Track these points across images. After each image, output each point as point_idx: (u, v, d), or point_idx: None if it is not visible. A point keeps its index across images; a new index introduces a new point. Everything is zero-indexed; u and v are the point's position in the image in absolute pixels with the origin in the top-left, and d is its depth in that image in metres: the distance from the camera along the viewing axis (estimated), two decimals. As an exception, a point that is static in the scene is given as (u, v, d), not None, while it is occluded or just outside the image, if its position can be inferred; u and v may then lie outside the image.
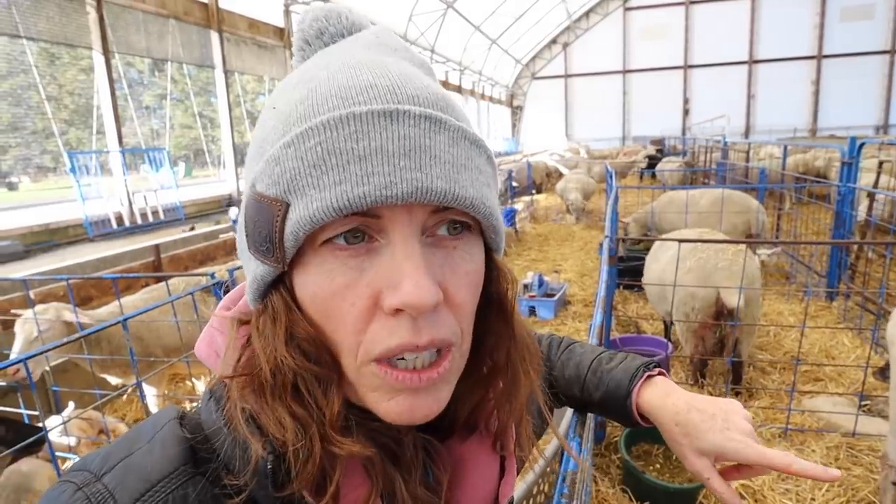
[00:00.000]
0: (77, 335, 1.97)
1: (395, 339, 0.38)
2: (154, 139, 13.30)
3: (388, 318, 0.39)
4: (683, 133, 27.14)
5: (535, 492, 1.37)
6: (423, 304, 0.37)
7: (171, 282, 3.26)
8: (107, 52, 8.38)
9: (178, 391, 3.89)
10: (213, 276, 2.81)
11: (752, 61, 28.76)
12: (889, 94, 26.85)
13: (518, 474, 0.59)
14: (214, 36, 10.69)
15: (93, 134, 9.15)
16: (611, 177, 6.90)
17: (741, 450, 0.64)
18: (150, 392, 3.18)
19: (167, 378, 3.52)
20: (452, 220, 0.42)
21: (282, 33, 12.69)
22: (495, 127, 31.04)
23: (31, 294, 3.42)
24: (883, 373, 2.82)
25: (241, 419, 0.40)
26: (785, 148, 8.09)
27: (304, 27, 0.49)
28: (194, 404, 0.50)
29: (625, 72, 30.98)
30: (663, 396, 0.74)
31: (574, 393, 0.84)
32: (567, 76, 32.35)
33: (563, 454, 0.99)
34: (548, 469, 1.56)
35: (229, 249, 6.25)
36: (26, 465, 2.35)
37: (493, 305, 0.49)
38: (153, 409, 3.12)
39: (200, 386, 3.56)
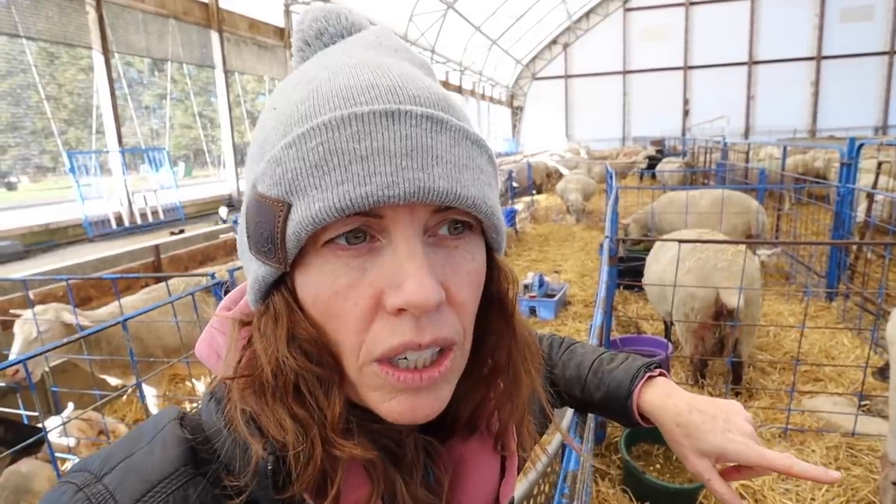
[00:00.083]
0: (77, 336, 1.96)
1: (398, 339, 0.38)
2: (154, 139, 13.29)
3: (391, 318, 0.39)
4: (683, 134, 27.16)
5: (535, 492, 1.37)
6: (426, 304, 0.37)
7: (171, 282, 3.26)
8: (106, 52, 8.38)
9: (177, 392, 3.89)
10: (213, 276, 2.80)
11: (752, 62, 28.78)
12: (888, 95, 26.88)
13: (518, 474, 0.59)
14: (214, 36, 10.69)
15: (92, 134, 9.15)
16: (611, 177, 6.91)
17: (742, 451, 0.64)
18: (149, 393, 3.18)
19: (167, 379, 3.52)
20: (454, 220, 0.42)
21: (282, 33, 12.69)
22: (495, 127, 31.05)
23: (31, 294, 3.41)
24: (882, 373, 2.83)
25: (241, 420, 0.40)
26: (784, 149, 8.09)
27: (304, 28, 0.49)
28: (194, 405, 0.49)
29: (625, 72, 31.00)
30: (664, 397, 0.74)
31: (575, 393, 0.84)
32: (567, 77, 32.37)
33: (563, 455, 0.99)
34: (548, 469, 1.56)
35: (229, 250, 6.25)
36: (26, 465, 2.35)
37: (494, 305, 0.49)
38: (153, 409, 3.12)
39: (200, 386, 3.56)
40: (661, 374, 0.79)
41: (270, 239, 0.39)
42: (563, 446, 1.15)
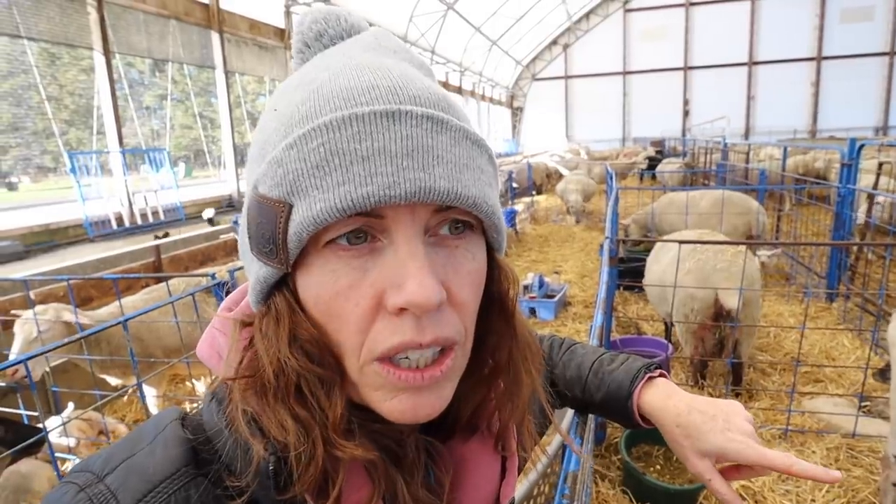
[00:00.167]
0: (77, 336, 1.96)
1: (398, 338, 0.39)
2: (154, 139, 13.30)
3: (392, 318, 0.39)
4: (683, 134, 27.15)
5: (535, 493, 1.37)
6: (428, 303, 0.37)
7: (171, 282, 3.26)
8: (107, 53, 8.39)
9: (178, 392, 3.89)
10: (213, 276, 2.80)
11: (752, 63, 28.79)
12: (888, 95, 26.87)
13: (519, 475, 0.59)
14: (215, 36, 10.71)
15: (93, 134, 9.16)
16: (611, 178, 6.91)
17: (742, 450, 0.64)
18: (149, 393, 3.18)
19: (167, 379, 3.52)
20: (454, 220, 0.42)
21: (282, 34, 12.70)
22: (495, 128, 31.06)
23: (32, 294, 3.42)
24: (883, 374, 2.82)
25: (242, 421, 0.40)
26: (785, 149, 8.09)
27: (304, 30, 0.49)
28: (195, 405, 0.50)
29: (625, 73, 31.01)
30: (664, 398, 0.74)
31: (575, 394, 0.84)
32: (567, 77, 32.39)
33: (563, 455, 0.99)
34: (548, 470, 1.56)
35: (229, 250, 6.25)
36: (26, 465, 2.35)
37: (495, 304, 0.49)
38: (153, 410, 3.12)
39: (200, 387, 3.56)
40: (661, 375, 0.79)
41: (272, 240, 0.39)
42: (563, 447, 1.15)
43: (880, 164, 5.53)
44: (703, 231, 4.15)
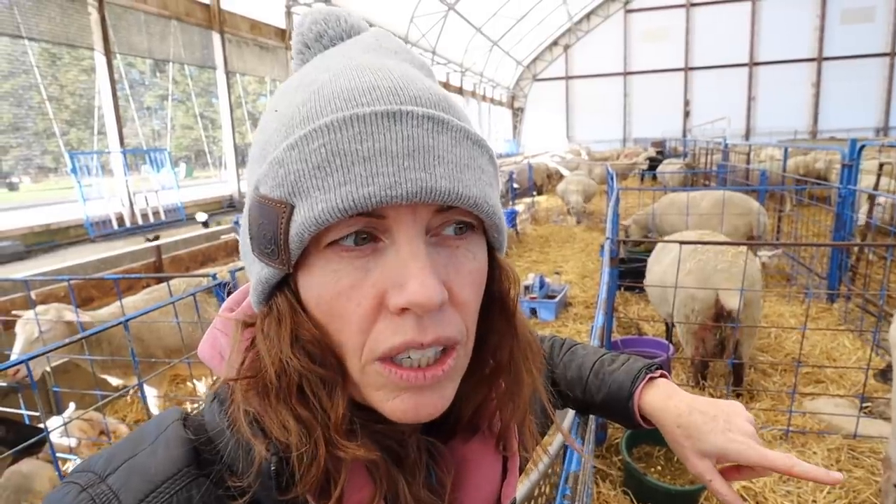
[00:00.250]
0: (78, 336, 1.97)
1: (400, 338, 0.39)
2: (155, 140, 13.31)
3: (394, 318, 0.39)
4: (684, 135, 27.16)
5: (536, 493, 1.37)
6: (430, 303, 0.37)
7: (172, 283, 3.26)
8: (108, 53, 8.40)
9: (178, 392, 3.89)
10: (214, 276, 2.80)
11: (753, 63, 28.78)
12: (889, 96, 26.86)
13: (520, 475, 0.59)
14: (216, 37, 10.71)
15: (94, 134, 9.16)
16: (612, 178, 6.91)
17: (743, 451, 0.64)
18: (150, 393, 3.18)
19: (168, 379, 3.52)
20: (456, 220, 0.42)
21: (283, 34, 12.71)
22: (496, 128, 31.06)
23: (33, 294, 3.42)
24: (884, 375, 2.82)
25: (244, 421, 0.40)
26: (785, 150, 8.08)
27: (304, 30, 0.49)
28: (195, 405, 0.50)
29: (626, 74, 31.01)
30: (665, 398, 0.74)
31: (576, 394, 0.84)
32: (568, 78, 32.39)
33: (564, 456, 0.99)
34: (549, 471, 1.55)
35: (230, 250, 6.25)
36: (27, 466, 2.35)
37: (496, 304, 0.49)
38: (154, 410, 3.12)
39: (201, 387, 3.56)
40: (662, 376, 0.79)
41: (273, 240, 0.39)
42: (564, 447, 1.15)
43: (881, 165, 5.53)
44: (703, 232, 4.15)
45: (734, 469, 0.67)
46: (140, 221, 8.76)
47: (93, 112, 9.03)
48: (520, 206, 9.72)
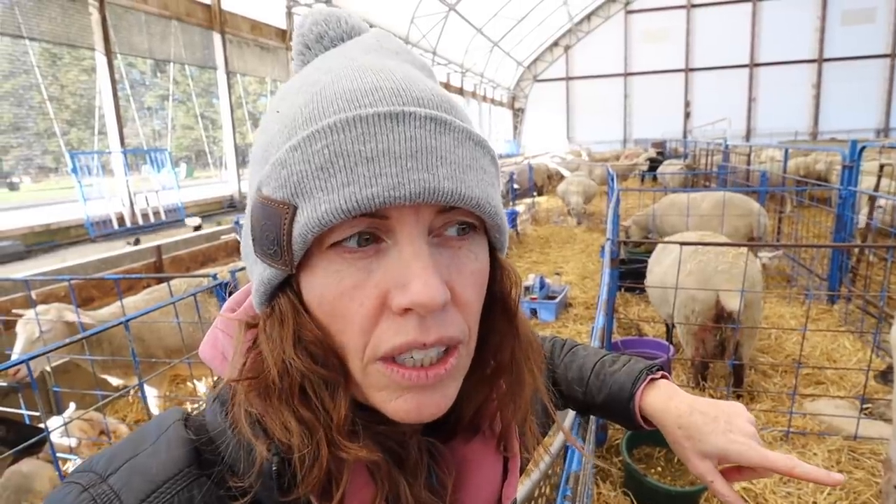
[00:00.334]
0: (79, 336, 1.97)
1: (402, 338, 0.39)
2: (156, 140, 13.32)
3: (396, 318, 0.39)
4: (685, 136, 27.18)
5: (536, 494, 1.37)
6: (432, 303, 0.37)
7: (172, 283, 3.27)
8: (109, 53, 8.41)
9: (179, 392, 3.89)
10: (214, 277, 2.80)
11: (754, 64, 28.80)
12: (890, 97, 26.87)
13: (521, 475, 0.59)
14: (217, 37, 10.73)
15: (94, 134, 9.18)
16: (612, 179, 6.91)
17: (744, 452, 0.64)
18: (151, 393, 3.18)
19: (168, 379, 3.52)
20: (458, 221, 0.42)
21: (284, 35, 12.72)
22: (497, 129, 31.09)
23: (33, 294, 3.42)
24: (884, 376, 2.82)
25: (245, 422, 0.40)
26: (786, 151, 8.08)
27: (304, 31, 0.49)
28: (196, 406, 0.49)
29: (626, 74, 31.03)
30: (666, 399, 0.74)
31: (577, 395, 0.84)
32: (568, 79, 32.41)
33: (565, 457, 0.99)
34: (549, 471, 1.55)
35: (230, 251, 6.26)
36: (27, 465, 2.35)
37: (497, 304, 0.49)
38: (154, 410, 3.12)
39: (202, 387, 3.56)
40: (662, 377, 0.80)
41: (276, 241, 0.39)
42: (565, 447, 1.15)
43: (881, 166, 5.52)
44: (704, 233, 4.15)
45: (735, 470, 0.67)
46: (140, 221, 8.77)
47: (93, 112, 9.05)
48: (520, 207, 9.72)
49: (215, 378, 0.48)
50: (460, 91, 24.50)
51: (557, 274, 6.00)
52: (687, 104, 30.26)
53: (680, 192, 6.51)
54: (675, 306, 3.20)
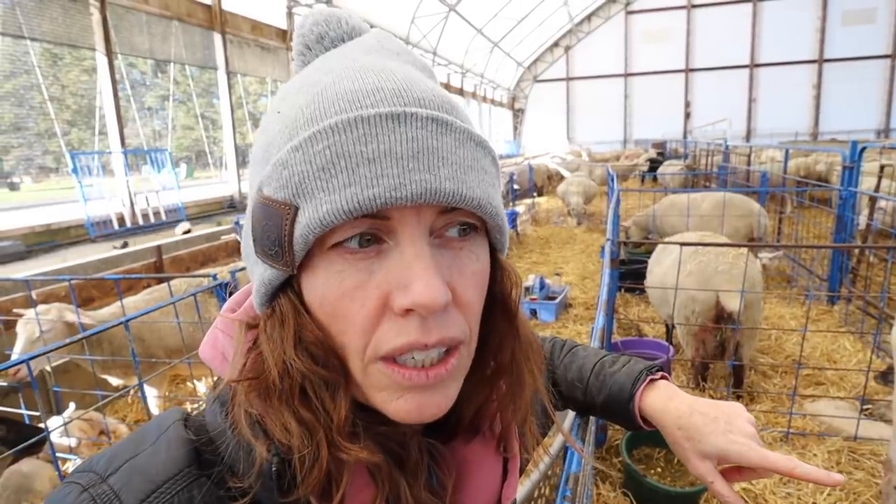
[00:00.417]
0: (79, 336, 1.97)
1: (403, 339, 0.39)
2: (156, 140, 13.32)
3: (398, 319, 0.39)
4: (685, 136, 27.17)
5: (536, 494, 1.37)
6: (434, 304, 0.37)
7: (172, 283, 3.27)
8: (110, 53, 8.41)
9: (179, 392, 3.89)
10: (214, 277, 2.80)
11: (754, 65, 28.80)
12: (890, 97, 26.87)
13: (520, 475, 0.59)
14: (217, 38, 10.73)
15: (95, 135, 9.18)
16: (612, 180, 6.91)
17: (744, 452, 0.64)
18: (151, 393, 3.18)
19: (168, 379, 3.52)
20: (459, 221, 0.42)
21: (284, 35, 12.73)
22: (497, 129, 31.10)
23: (33, 294, 3.42)
24: (884, 377, 2.82)
25: (245, 422, 0.40)
26: (786, 151, 8.08)
27: (304, 32, 0.49)
28: (195, 406, 0.50)
29: (626, 75, 31.04)
30: (666, 400, 0.74)
31: (576, 396, 0.84)
32: (569, 79, 32.42)
33: (565, 457, 0.99)
34: (549, 472, 1.55)
35: (230, 251, 6.26)
36: (27, 465, 2.35)
37: (498, 305, 0.49)
38: (154, 410, 3.12)
39: (202, 387, 3.56)
40: (662, 377, 0.80)
41: (278, 242, 0.39)
42: (564, 448, 1.15)
43: (882, 167, 5.52)
44: (704, 233, 4.15)
45: (735, 470, 0.67)
46: (141, 222, 8.77)
47: (94, 112, 9.05)
48: (520, 208, 9.72)
49: (215, 378, 0.48)
50: (460, 91, 24.51)
51: (557, 274, 6.00)
52: (687, 105, 30.26)
53: (680, 192, 6.51)
54: (676, 307, 3.20)
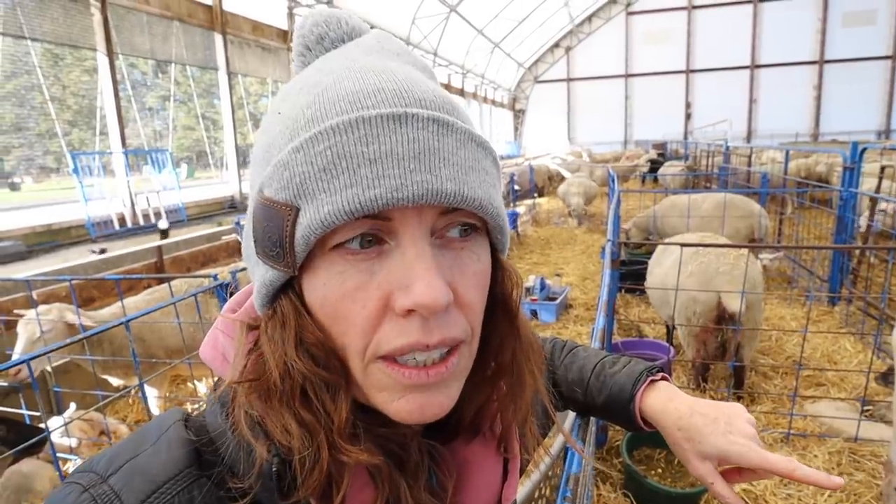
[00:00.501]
0: (79, 336, 1.97)
1: (405, 339, 0.39)
2: (157, 140, 13.32)
3: (399, 319, 0.39)
4: (685, 137, 27.17)
5: (536, 495, 1.37)
6: (436, 305, 0.37)
7: (173, 283, 3.27)
8: (111, 54, 8.43)
9: (179, 393, 3.89)
10: (215, 277, 2.80)
11: (755, 66, 28.80)
12: (891, 98, 26.88)
13: (521, 476, 0.59)
14: (218, 38, 10.74)
15: (96, 135, 9.19)
16: (613, 180, 6.91)
17: (744, 453, 0.64)
18: (151, 394, 3.18)
19: (169, 380, 3.52)
20: (460, 222, 0.42)
21: (285, 35, 12.74)
22: (497, 130, 31.11)
23: (34, 294, 3.42)
24: (885, 378, 2.82)
25: (245, 423, 0.40)
26: (787, 152, 8.08)
27: (305, 32, 0.49)
28: (196, 406, 0.50)
29: (627, 76, 31.05)
30: (666, 401, 0.74)
31: (577, 396, 0.84)
32: (569, 80, 32.43)
33: (565, 458, 0.99)
34: (549, 473, 1.55)
35: (231, 251, 6.26)
36: (27, 465, 2.35)
37: (499, 306, 0.49)
38: (154, 410, 3.12)
39: (202, 388, 3.56)
40: (663, 378, 0.79)
41: (279, 243, 0.39)
42: (565, 449, 1.15)
43: (882, 168, 5.51)
44: (704, 234, 4.14)
45: (735, 471, 0.67)
46: (141, 222, 8.78)
47: (95, 112, 9.06)
48: (521, 208, 9.73)
49: (216, 379, 0.48)
50: (461, 92, 24.52)
51: (558, 275, 6.00)
52: (688, 105, 30.27)
53: (681, 193, 6.50)
54: (676, 308, 3.20)
